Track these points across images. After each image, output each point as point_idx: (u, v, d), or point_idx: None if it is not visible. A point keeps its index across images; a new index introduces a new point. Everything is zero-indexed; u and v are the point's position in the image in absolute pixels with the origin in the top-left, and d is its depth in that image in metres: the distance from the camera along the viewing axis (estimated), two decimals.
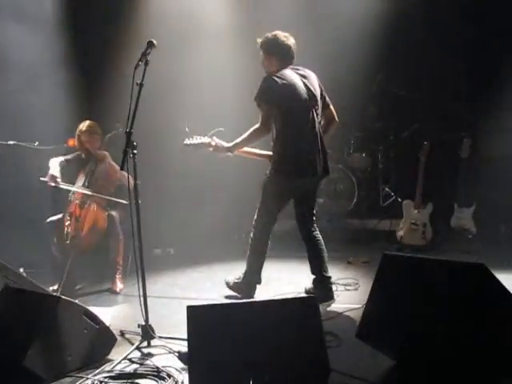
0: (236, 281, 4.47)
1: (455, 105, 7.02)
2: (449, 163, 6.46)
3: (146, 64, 3.55)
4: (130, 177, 3.71)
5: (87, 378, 2.98)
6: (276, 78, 4.12)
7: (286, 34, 4.34)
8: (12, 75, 6.17)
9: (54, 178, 4.83)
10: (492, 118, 6.69)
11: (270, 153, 4.29)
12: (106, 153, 5.13)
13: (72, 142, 5.23)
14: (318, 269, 4.34)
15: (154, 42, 3.62)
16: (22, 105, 6.14)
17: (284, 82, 4.12)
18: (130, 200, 3.57)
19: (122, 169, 3.49)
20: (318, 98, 4.31)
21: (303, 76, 4.28)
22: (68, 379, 3.03)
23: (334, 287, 4.43)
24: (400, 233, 5.95)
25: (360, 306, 3.87)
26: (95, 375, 3.02)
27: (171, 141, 5.84)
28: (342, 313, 4.01)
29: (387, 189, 7.83)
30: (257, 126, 4.15)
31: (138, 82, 3.49)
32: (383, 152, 7.88)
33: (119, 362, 3.21)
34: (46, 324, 3.06)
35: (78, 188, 4.93)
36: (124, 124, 3.53)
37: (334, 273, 5.05)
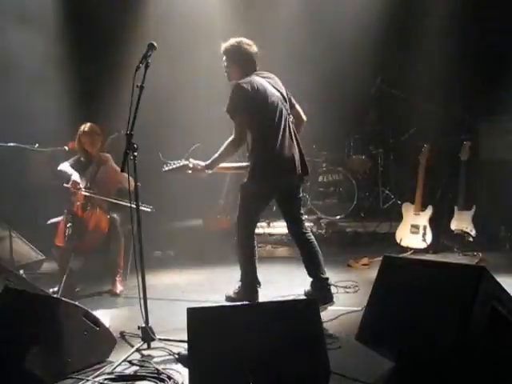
0: (236, 291, 4.43)
1: (455, 107, 7.03)
2: (449, 166, 6.46)
3: (147, 66, 3.56)
4: (130, 179, 3.71)
5: (87, 380, 2.99)
6: (246, 86, 4.06)
7: (250, 42, 4.27)
8: (13, 77, 6.19)
9: (76, 184, 4.87)
10: (492, 120, 6.70)
11: (247, 164, 4.27)
12: (109, 155, 5.13)
13: (72, 145, 5.23)
14: (315, 271, 4.32)
15: (155, 44, 3.63)
16: (23, 106, 6.16)
17: (254, 88, 4.08)
18: (130, 202, 3.57)
19: (122, 171, 3.50)
20: (286, 97, 4.30)
21: (269, 78, 4.26)
22: (68, 381, 3.03)
23: (333, 289, 4.42)
24: (400, 235, 5.95)
25: (360, 308, 3.86)
26: (95, 377, 3.03)
27: (173, 141, 5.88)
28: (341, 315, 4.00)
29: (387, 191, 7.84)
30: (231, 138, 4.11)
31: (139, 84, 3.49)
32: (383, 155, 7.90)
33: (119, 364, 3.21)
34: (46, 326, 3.06)
35: (92, 193, 4.91)
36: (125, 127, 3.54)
37: (334, 275, 5.06)
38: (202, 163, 4.22)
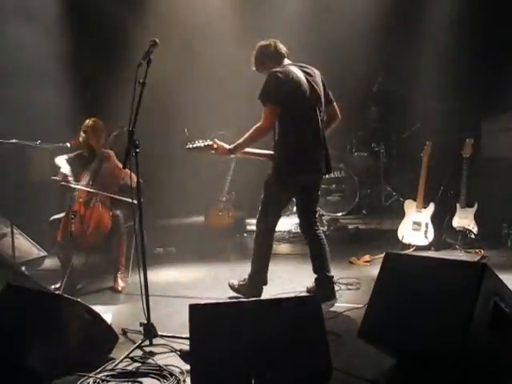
0: (241, 283, 4.42)
1: (458, 105, 7.02)
2: (451, 163, 6.45)
3: (149, 63, 3.55)
4: (132, 175, 3.70)
5: (89, 377, 2.98)
6: (281, 75, 4.03)
7: (263, 41, 4.30)
8: (14, 74, 6.18)
9: (66, 176, 4.85)
10: (494, 118, 6.69)
11: (271, 152, 4.25)
12: (112, 152, 5.12)
13: (75, 143, 5.23)
14: (321, 268, 4.33)
15: (157, 40, 3.62)
16: (25, 103, 6.16)
17: (289, 79, 4.04)
18: (132, 198, 3.57)
19: (124, 167, 3.50)
20: (322, 95, 4.25)
21: (307, 73, 4.21)
22: (70, 378, 3.02)
23: (335, 287, 4.43)
24: (402, 232, 5.94)
25: (362, 305, 3.86)
26: (97, 374, 3.02)
27: (175, 140, 5.85)
28: (343, 312, 4.00)
29: (389, 188, 7.84)
30: (259, 124, 4.07)
31: (141, 80, 3.49)
32: (385, 152, 7.89)
33: (121, 361, 3.21)
34: (47, 322, 3.06)
35: (88, 187, 4.90)
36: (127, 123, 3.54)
37: (336, 272, 5.04)
38: (227, 146, 4.19)
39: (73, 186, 4.85)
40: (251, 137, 4.11)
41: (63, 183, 4.81)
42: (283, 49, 4.28)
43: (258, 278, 4.34)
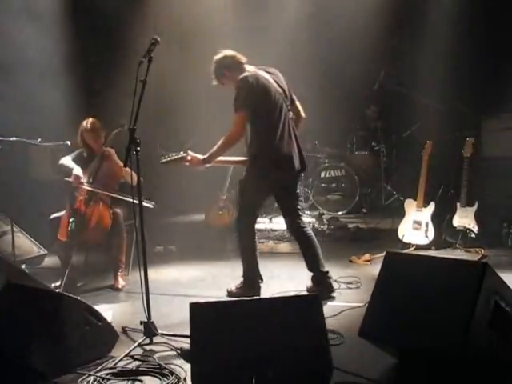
0: (238, 287, 4.45)
1: (458, 104, 7.01)
2: (451, 162, 6.45)
3: (150, 61, 3.56)
4: (133, 173, 3.70)
5: (89, 375, 2.98)
6: (251, 80, 4.11)
7: (218, 54, 4.34)
8: (15, 72, 6.18)
9: (79, 178, 4.85)
10: (495, 117, 6.69)
11: (245, 158, 4.33)
12: (112, 150, 5.12)
13: (74, 144, 5.23)
14: (315, 265, 4.39)
15: (158, 38, 3.62)
16: (25, 101, 6.15)
17: (259, 82, 4.13)
18: (132, 197, 3.58)
19: (125, 166, 3.51)
20: (287, 93, 4.35)
21: (272, 73, 4.31)
22: (70, 376, 3.02)
23: (336, 285, 4.48)
24: (402, 231, 5.94)
25: (362, 304, 3.87)
26: (97, 372, 3.02)
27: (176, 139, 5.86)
28: (344, 311, 4.00)
29: (389, 187, 7.84)
30: (231, 131, 4.15)
31: (142, 78, 3.49)
32: (385, 151, 7.90)
33: (121, 359, 3.21)
34: (48, 320, 3.06)
35: (91, 187, 4.89)
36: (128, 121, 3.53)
37: (336, 271, 5.06)
38: (201, 156, 4.25)
39: (85, 187, 4.85)
40: (224, 144, 4.19)
41: (77, 185, 4.83)
42: (242, 57, 4.33)
43: (252, 276, 4.39)
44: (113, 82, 6.53)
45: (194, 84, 6.63)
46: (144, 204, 4.49)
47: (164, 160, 4.21)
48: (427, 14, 7.32)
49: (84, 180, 4.88)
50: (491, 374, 2.71)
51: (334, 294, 4.38)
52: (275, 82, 4.26)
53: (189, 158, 4.24)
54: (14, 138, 5.25)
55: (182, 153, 4.25)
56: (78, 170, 4.89)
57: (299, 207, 4.52)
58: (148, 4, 7.31)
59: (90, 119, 5.09)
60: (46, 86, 6.33)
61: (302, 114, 4.52)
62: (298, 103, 4.49)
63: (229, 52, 4.32)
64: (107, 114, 5.50)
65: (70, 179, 4.85)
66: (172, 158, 4.23)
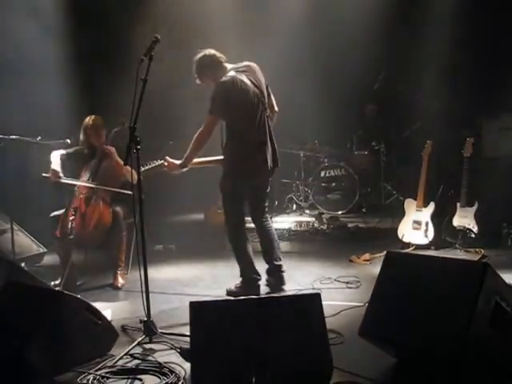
0: (237, 286, 4.51)
1: (458, 104, 7.01)
2: (451, 162, 6.45)
3: (151, 59, 3.55)
4: (133, 171, 3.70)
5: (89, 373, 2.98)
6: (228, 86, 4.22)
7: (198, 54, 4.42)
8: (16, 71, 6.17)
9: (56, 173, 4.83)
10: (495, 117, 6.69)
11: (220, 157, 4.46)
12: (112, 148, 5.11)
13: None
14: (269, 257, 4.53)
15: (159, 37, 3.61)
16: (25, 99, 6.14)
17: (236, 87, 4.22)
18: (133, 195, 3.58)
19: (125, 164, 3.51)
20: (264, 90, 4.44)
21: (246, 71, 4.37)
22: (70, 374, 3.02)
23: (336, 284, 4.55)
24: (402, 231, 5.93)
25: (362, 303, 3.87)
26: (97, 370, 3.02)
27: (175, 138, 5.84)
28: (344, 310, 3.99)
29: (389, 187, 7.84)
30: (201, 130, 4.27)
31: (143, 77, 3.48)
32: (385, 150, 7.89)
33: (121, 358, 3.21)
34: (47, 319, 3.05)
35: (80, 182, 4.90)
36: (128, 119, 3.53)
37: (336, 270, 5.07)
38: (177, 162, 4.38)
39: (63, 181, 4.85)
40: (195, 145, 4.31)
41: (54, 180, 4.81)
42: (221, 56, 4.41)
43: (249, 274, 4.48)
44: (114, 80, 6.51)
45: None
46: (124, 191, 4.54)
47: (144, 169, 4.29)
48: (428, 13, 7.31)
49: (62, 175, 4.85)
50: (491, 373, 2.70)
51: (282, 286, 4.49)
52: (251, 81, 4.33)
53: (166, 163, 4.39)
54: (14, 136, 5.24)
55: (159, 160, 4.40)
56: (55, 165, 4.87)
57: (266, 203, 4.67)
58: (148, 4, 7.31)
59: (93, 116, 5.09)
60: (46, 84, 6.32)
61: (276, 107, 4.63)
62: (272, 96, 4.59)
63: (208, 51, 4.40)
64: (108, 111, 5.48)
65: (47, 174, 4.84)
66: (151, 166, 4.37)
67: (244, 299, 3.40)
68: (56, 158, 4.93)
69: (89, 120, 5.06)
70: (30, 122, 5.85)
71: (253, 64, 4.46)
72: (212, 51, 4.39)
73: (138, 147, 3.54)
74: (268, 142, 4.39)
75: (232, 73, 4.31)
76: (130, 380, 2.97)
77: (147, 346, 3.43)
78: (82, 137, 5.07)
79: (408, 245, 5.83)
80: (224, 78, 4.26)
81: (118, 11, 7.15)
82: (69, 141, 5.33)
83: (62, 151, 5.05)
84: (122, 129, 5.06)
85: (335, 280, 4.77)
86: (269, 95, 4.54)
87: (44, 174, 4.85)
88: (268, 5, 7.47)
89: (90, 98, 6.62)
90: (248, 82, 4.30)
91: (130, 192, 3.87)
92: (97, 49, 7.13)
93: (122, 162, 3.90)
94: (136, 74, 3.46)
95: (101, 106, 6.17)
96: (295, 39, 7.28)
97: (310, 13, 7.40)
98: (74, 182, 4.90)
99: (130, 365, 3.15)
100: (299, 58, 6.18)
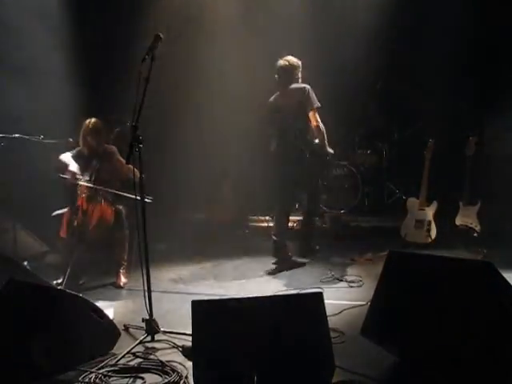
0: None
1: (461, 103, 7.00)
2: (454, 161, 6.43)
3: (153, 58, 3.54)
4: (135, 170, 3.70)
5: (91, 372, 2.98)
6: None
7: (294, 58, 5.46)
8: (17, 71, 6.17)
9: (74, 174, 4.84)
10: (498, 116, 6.67)
11: None
12: (114, 147, 5.11)
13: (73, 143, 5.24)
14: None
15: (161, 35, 3.60)
16: (27, 98, 6.14)
17: None
18: (135, 194, 3.58)
19: (127, 163, 3.50)
20: None
21: None
22: (72, 373, 3.02)
23: (338, 284, 4.53)
24: (404, 230, 5.93)
25: (364, 302, 3.86)
26: (99, 369, 3.02)
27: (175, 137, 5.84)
28: (346, 309, 3.99)
29: (391, 186, 7.83)
30: (319, 125, 5.49)
31: (145, 76, 3.48)
32: (388, 149, 7.88)
33: (123, 356, 3.21)
34: (50, 317, 3.06)
35: (92, 184, 4.89)
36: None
37: (338, 269, 5.06)
38: None
39: (82, 183, 4.85)
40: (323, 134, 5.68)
41: (72, 181, 4.82)
42: None
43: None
44: (115, 79, 6.51)
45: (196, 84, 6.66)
46: (128, 195, 4.52)
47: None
48: (429, 13, 7.30)
49: (80, 176, 4.86)
50: (491, 373, 2.70)
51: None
52: None
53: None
54: (16, 135, 5.25)
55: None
56: (73, 166, 4.88)
57: None
58: (149, 3, 7.31)
59: (92, 120, 5.07)
60: (48, 83, 6.32)
61: None
62: None
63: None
64: (109, 111, 5.49)
65: (66, 175, 4.84)
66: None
67: (245, 298, 3.40)
68: (71, 160, 4.94)
69: (88, 124, 5.05)
70: (31, 121, 5.84)
71: None
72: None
73: (141, 146, 3.54)
74: None
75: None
76: (132, 378, 2.97)
77: (149, 345, 3.43)
78: (81, 140, 5.07)
79: (411, 244, 5.83)
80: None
81: (118, 11, 7.15)
82: (71, 139, 5.33)
83: (70, 153, 5.06)
84: (124, 128, 5.07)
85: (338, 279, 4.77)
86: None
87: (62, 175, 4.85)
88: (270, 2, 7.47)
89: (92, 96, 6.62)
90: None
91: (131, 196, 3.84)
92: (98, 48, 7.12)
93: (124, 161, 3.90)
94: (138, 72, 3.45)
95: (103, 104, 6.18)
96: (295, 39, 7.27)
97: (313, 11, 7.38)
98: (92, 185, 4.88)
99: (132, 363, 3.15)
100: (301, 57, 6.15)
